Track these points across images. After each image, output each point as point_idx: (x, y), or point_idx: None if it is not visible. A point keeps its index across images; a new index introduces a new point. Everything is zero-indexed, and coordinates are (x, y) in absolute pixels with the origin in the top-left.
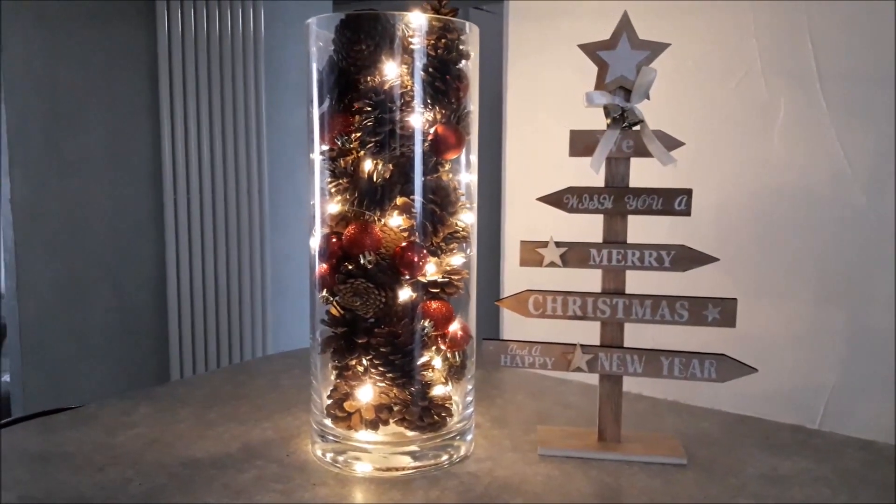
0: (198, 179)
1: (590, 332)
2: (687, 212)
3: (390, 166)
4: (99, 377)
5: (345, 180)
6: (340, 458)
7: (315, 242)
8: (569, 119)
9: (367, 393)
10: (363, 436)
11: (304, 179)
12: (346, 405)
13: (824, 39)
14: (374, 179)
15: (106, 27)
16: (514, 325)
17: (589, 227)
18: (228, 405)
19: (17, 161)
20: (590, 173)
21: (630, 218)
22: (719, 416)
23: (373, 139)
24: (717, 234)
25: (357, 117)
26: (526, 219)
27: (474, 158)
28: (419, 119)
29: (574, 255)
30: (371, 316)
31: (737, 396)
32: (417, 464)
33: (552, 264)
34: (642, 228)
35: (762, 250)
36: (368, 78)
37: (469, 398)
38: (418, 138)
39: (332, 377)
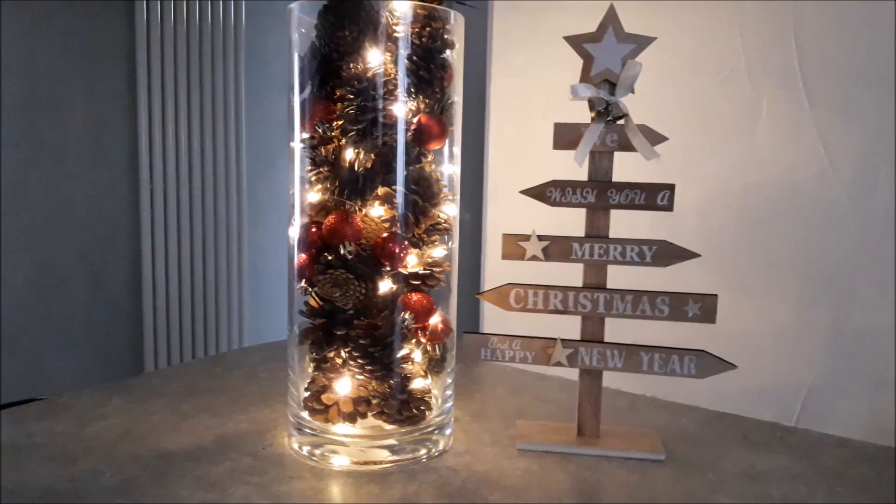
0: (175, 169)
1: (570, 327)
2: (669, 207)
3: (372, 156)
4: (73, 368)
5: (325, 169)
6: (317, 452)
7: (294, 232)
8: (553, 112)
9: (345, 385)
10: (341, 429)
11: (283, 171)
12: (323, 398)
13: (808, 39)
14: (356, 168)
15: (85, 15)
16: (494, 319)
17: (572, 221)
18: (204, 397)
19: None
20: (573, 167)
21: (613, 212)
22: (698, 412)
23: (355, 127)
24: (699, 230)
25: (339, 105)
26: (508, 212)
27: (457, 150)
28: (402, 108)
29: (556, 248)
30: (350, 307)
31: (716, 393)
32: (395, 458)
33: (534, 258)
34: (626, 223)
35: (744, 247)
36: (351, 65)
37: (448, 392)
38: (401, 128)
39: (310, 369)
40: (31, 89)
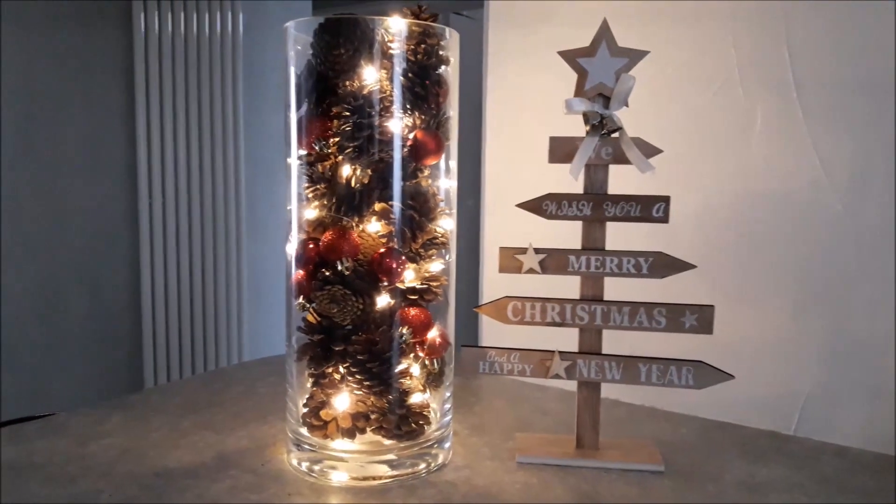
0: (174, 183)
1: (568, 339)
2: (664, 219)
3: (369, 171)
4: (72, 383)
5: (322, 185)
6: (316, 468)
7: (292, 248)
8: (548, 125)
9: (343, 401)
10: (340, 444)
11: (282, 184)
12: (322, 413)
13: (801, 49)
14: (353, 185)
15: (82, 28)
16: (492, 332)
17: (568, 234)
18: (203, 413)
19: None
20: (569, 180)
21: (610, 224)
22: (697, 422)
23: (351, 144)
24: (695, 241)
25: (335, 122)
26: (505, 225)
27: (454, 164)
28: (398, 124)
29: (553, 261)
30: (348, 323)
31: (714, 403)
32: (395, 472)
33: (531, 271)
34: (623, 235)
35: (740, 257)
36: (347, 82)
37: (447, 406)
38: (397, 144)
39: (309, 385)
40: (29, 103)
